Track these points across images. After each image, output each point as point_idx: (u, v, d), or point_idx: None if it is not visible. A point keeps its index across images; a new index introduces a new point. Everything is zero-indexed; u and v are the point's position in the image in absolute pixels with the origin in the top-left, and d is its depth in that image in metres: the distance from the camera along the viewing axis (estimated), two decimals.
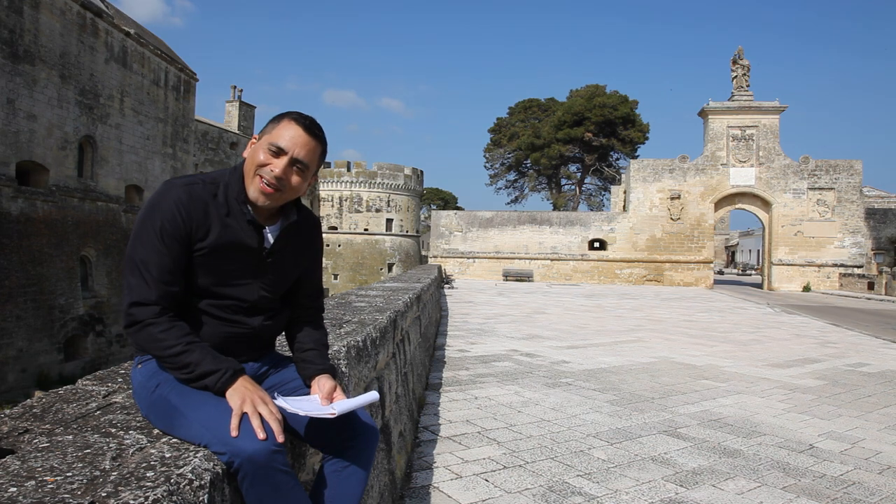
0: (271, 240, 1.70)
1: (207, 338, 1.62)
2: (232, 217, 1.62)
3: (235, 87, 42.17)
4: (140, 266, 1.54)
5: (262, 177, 1.61)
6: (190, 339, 1.53)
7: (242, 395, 1.46)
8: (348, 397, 1.73)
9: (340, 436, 1.66)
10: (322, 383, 1.70)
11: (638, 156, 47.44)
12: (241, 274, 1.66)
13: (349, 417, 1.68)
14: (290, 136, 1.61)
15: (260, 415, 1.43)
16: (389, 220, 47.31)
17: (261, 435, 1.36)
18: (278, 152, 1.61)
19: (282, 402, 1.58)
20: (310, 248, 1.82)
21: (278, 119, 1.65)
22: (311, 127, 1.65)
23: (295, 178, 1.63)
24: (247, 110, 42.20)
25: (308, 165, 1.65)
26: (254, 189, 1.63)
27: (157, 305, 1.53)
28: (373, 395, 1.70)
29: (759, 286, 36.39)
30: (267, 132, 1.64)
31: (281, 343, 2.42)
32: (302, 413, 1.56)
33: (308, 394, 1.72)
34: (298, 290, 1.85)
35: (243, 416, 1.41)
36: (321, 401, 1.66)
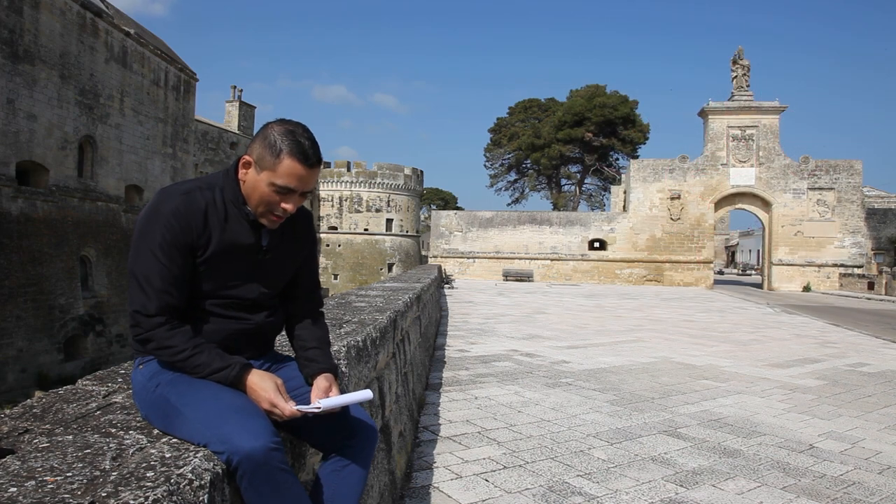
0: (268, 237, 1.73)
1: (212, 335, 1.65)
2: (230, 221, 1.65)
3: (235, 87, 42.20)
4: (141, 279, 1.56)
5: (273, 213, 1.65)
6: (196, 341, 1.57)
7: (257, 398, 1.53)
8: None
9: (339, 434, 1.66)
10: (320, 382, 1.71)
11: (638, 156, 47.39)
12: (240, 274, 1.69)
13: (348, 416, 1.69)
14: (298, 177, 1.61)
15: (265, 415, 1.49)
16: (389, 220, 47.31)
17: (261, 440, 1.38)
18: (288, 192, 1.63)
19: None
20: (305, 240, 1.85)
21: (276, 153, 1.60)
22: (312, 157, 1.63)
23: (302, 201, 1.71)
24: (247, 110, 42.18)
25: (313, 189, 1.75)
26: (266, 221, 1.67)
27: (160, 316, 1.55)
28: (366, 394, 1.69)
29: (759, 286, 36.37)
30: (267, 167, 1.60)
31: (282, 343, 2.42)
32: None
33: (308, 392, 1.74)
34: (297, 285, 1.87)
35: (241, 415, 1.42)
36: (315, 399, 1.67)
